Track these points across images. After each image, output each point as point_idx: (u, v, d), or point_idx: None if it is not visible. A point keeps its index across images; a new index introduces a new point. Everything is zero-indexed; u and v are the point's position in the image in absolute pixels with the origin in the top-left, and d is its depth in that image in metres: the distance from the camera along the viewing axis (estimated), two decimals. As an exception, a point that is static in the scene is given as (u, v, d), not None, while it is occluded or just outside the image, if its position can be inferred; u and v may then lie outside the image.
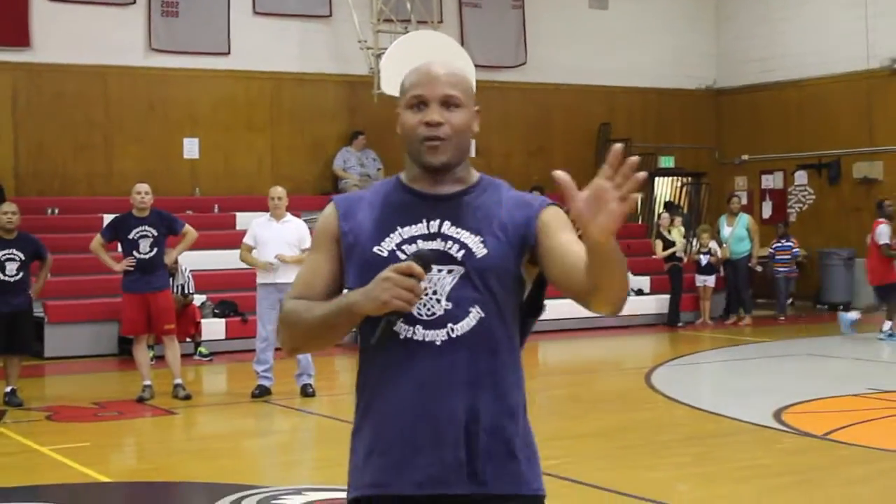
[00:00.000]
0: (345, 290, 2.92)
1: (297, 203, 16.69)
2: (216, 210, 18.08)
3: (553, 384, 12.97)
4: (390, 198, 2.96)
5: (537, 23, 21.15)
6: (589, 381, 13.39)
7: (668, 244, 18.77)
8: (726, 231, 19.02)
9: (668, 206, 22.34)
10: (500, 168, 18.79)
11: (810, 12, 21.43)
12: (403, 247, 2.86)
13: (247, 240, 11.66)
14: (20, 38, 17.27)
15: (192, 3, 18.38)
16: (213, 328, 15.41)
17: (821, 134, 21.26)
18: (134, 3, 18.02)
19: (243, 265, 12.28)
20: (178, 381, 11.46)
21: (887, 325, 15.88)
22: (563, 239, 2.86)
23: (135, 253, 11.06)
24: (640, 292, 18.82)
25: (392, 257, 2.84)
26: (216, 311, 15.78)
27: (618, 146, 2.54)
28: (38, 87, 17.47)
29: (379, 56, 17.93)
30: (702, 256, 18.71)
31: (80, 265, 14.86)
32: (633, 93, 22.19)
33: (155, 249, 11.11)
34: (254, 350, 11.62)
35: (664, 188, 23.51)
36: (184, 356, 12.51)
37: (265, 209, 11.89)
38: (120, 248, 11.39)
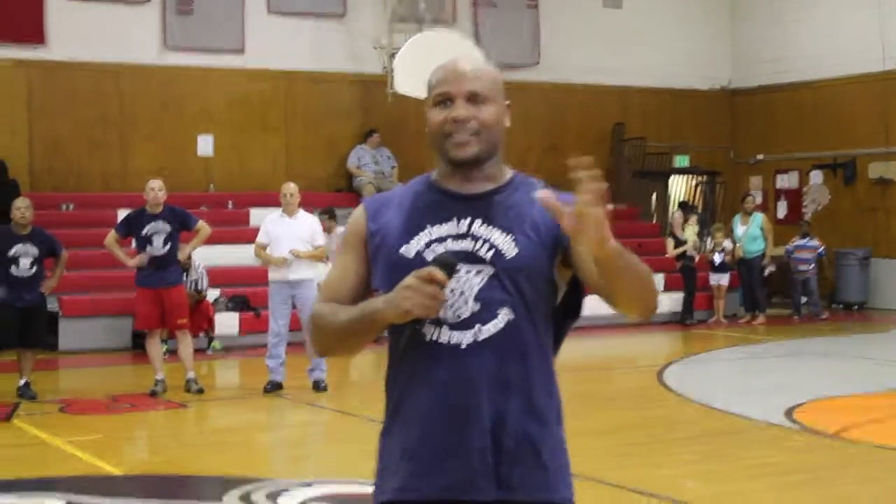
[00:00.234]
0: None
1: (311, 200, 16.73)
2: (230, 206, 18.13)
3: (566, 381, 12.74)
4: (420, 197, 2.90)
5: (552, 22, 21.14)
6: (602, 378, 13.39)
7: (680, 243, 18.76)
8: (740, 230, 18.98)
9: (683, 205, 22.31)
10: (514, 166, 18.74)
11: (824, 13, 21.38)
12: (433, 246, 2.80)
13: (260, 238, 11.70)
14: (35, 35, 17.35)
15: (207, 2, 18.44)
16: (227, 323, 15.48)
17: (836, 134, 21.21)
18: (149, 0, 18.09)
19: (256, 261, 12.32)
20: (191, 375, 11.50)
21: None
22: None
23: (148, 248, 11.11)
24: (653, 291, 18.80)
25: (418, 258, 2.79)
26: (229, 306, 15.83)
27: (583, 159, 2.52)
28: (53, 84, 17.55)
29: (393, 55, 17.95)
30: (716, 255, 18.70)
31: (95, 260, 14.92)
32: (648, 92, 22.17)
33: (168, 245, 11.16)
34: (266, 345, 11.67)
35: (679, 187, 23.49)
36: (197, 351, 12.56)
37: (279, 206, 11.92)
38: (134, 244, 11.44)
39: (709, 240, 19.52)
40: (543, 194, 2.55)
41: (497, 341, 2.76)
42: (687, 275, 18.51)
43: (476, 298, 2.76)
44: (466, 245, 2.78)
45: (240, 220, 17.56)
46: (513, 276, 2.75)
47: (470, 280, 2.76)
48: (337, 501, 7.04)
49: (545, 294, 2.80)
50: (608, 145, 21.78)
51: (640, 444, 9.14)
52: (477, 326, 2.76)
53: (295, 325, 11.81)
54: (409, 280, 2.64)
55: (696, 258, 18.70)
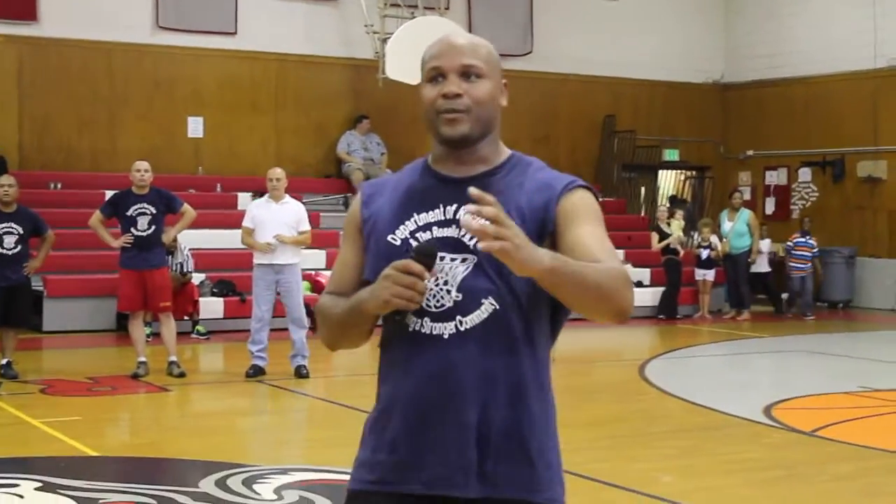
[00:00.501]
0: None
1: (300, 185, 16.79)
2: (218, 189, 18.12)
3: (548, 373, 12.99)
4: (413, 181, 2.81)
5: (545, 12, 21.14)
6: (584, 372, 13.39)
7: (665, 237, 18.76)
8: (727, 226, 19.02)
9: (673, 200, 22.35)
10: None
11: (818, 9, 21.41)
12: (417, 234, 2.72)
13: (246, 223, 11.70)
14: (27, 11, 17.29)
15: (201, -18, 18.40)
16: (212, 307, 15.47)
17: (826, 131, 21.26)
18: (142, -20, 18.06)
19: (243, 246, 12.32)
20: (173, 358, 11.49)
21: None
22: (576, 233, 2.67)
23: (133, 230, 11.09)
24: (639, 284, 18.83)
25: (405, 245, 2.71)
26: (214, 290, 15.83)
27: (471, 190, 2.43)
28: (44, 61, 17.50)
29: (385, 40, 17.94)
30: (702, 250, 18.72)
31: (82, 240, 14.90)
32: (640, 85, 22.17)
33: (153, 227, 11.15)
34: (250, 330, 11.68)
35: (668, 181, 23.51)
36: (181, 334, 12.55)
37: (267, 190, 11.90)
38: (119, 226, 11.43)
39: (696, 235, 19.54)
40: (474, 193, 2.42)
41: (481, 332, 2.66)
42: (670, 269, 18.52)
43: (459, 288, 2.67)
44: (452, 232, 2.70)
45: (228, 203, 17.55)
46: (497, 265, 2.58)
47: (454, 269, 2.67)
48: (312, 488, 7.05)
49: (534, 283, 2.58)
50: (598, 137, 21.80)
51: (618, 437, 9.16)
52: (458, 317, 2.66)
53: (279, 311, 11.81)
54: (388, 270, 2.58)
55: (681, 253, 18.71)
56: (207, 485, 7.03)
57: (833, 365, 14.03)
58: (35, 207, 12.11)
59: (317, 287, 15.50)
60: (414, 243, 2.69)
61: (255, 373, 11.47)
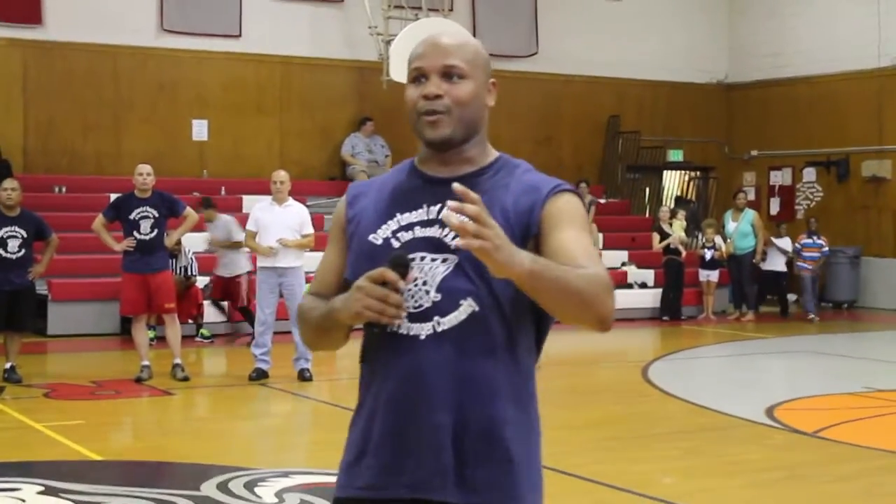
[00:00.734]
0: None
1: (304, 188, 16.81)
2: (223, 193, 18.12)
3: (551, 375, 12.90)
4: (399, 181, 2.79)
5: (549, 13, 21.14)
6: (587, 373, 13.41)
7: (666, 237, 18.71)
8: (731, 226, 18.99)
9: (679, 200, 22.35)
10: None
11: (822, 9, 21.39)
12: (399, 234, 2.69)
13: (250, 226, 11.73)
14: (32, 15, 17.34)
15: (205, -15, 18.44)
16: (216, 311, 15.49)
17: (830, 131, 21.24)
18: (146, -17, 18.10)
19: (247, 249, 12.34)
20: (178, 361, 11.50)
21: None
22: (559, 237, 2.62)
23: (135, 233, 11.12)
24: (643, 285, 18.87)
25: (386, 245, 2.68)
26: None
27: (455, 186, 2.42)
28: (49, 64, 17.55)
29: (389, 42, 17.96)
30: (706, 251, 18.70)
31: (86, 244, 14.90)
32: (644, 85, 22.17)
33: (155, 231, 11.17)
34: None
35: (672, 182, 23.50)
36: (185, 337, 12.57)
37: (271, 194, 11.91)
38: (122, 229, 11.45)
39: (699, 235, 19.52)
40: (458, 189, 2.39)
41: (458, 334, 2.61)
42: (671, 270, 18.48)
43: (438, 288, 2.62)
44: (434, 232, 2.66)
45: (232, 207, 17.54)
46: (477, 266, 2.51)
47: (434, 269, 2.63)
48: (314, 491, 7.07)
49: (516, 287, 2.51)
50: (602, 137, 21.80)
51: (619, 439, 9.16)
52: (436, 318, 2.61)
53: (282, 314, 11.82)
54: (361, 281, 2.54)
55: (683, 253, 18.64)
56: (209, 488, 7.05)
57: (837, 365, 14.03)
58: (40, 211, 12.13)
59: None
60: (396, 243, 2.67)
61: (259, 376, 11.49)
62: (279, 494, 6.92)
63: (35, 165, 17.37)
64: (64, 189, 17.19)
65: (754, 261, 18.84)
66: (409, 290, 2.61)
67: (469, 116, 2.70)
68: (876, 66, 20.51)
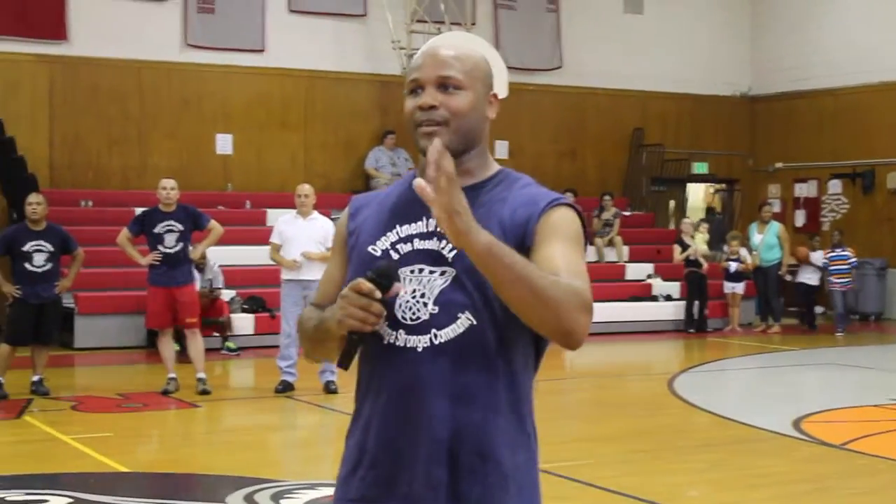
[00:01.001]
0: None
1: (328, 201, 16.81)
2: (248, 206, 18.21)
3: (578, 387, 12.99)
4: (400, 193, 2.77)
5: (572, 26, 21.16)
6: (613, 385, 13.38)
7: (686, 249, 18.62)
8: (757, 238, 18.93)
9: (710, 212, 22.33)
10: (531, 170, 18.79)
11: (846, 21, 21.32)
12: (398, 246, 2.67)
13: (274, 238, 11.76)
14: (57, 31, 17.46)
15: (228, 0, 18.52)
16: (242, 323, 15.53)
17: (855, 143, 21.16)
18: (171, -2, 18.21)
19: (272, 262, 12.36)
20: (201, 375, 11.52)
21: None
22: (547, 249, 2.57)
23: (160, 247, 11.17)
24: (668, 298, 18.83)
25: (385, 257, 2.66)
26: (245, 306, 15.89)
27: (436, 143, 2.39)
28: (75, 80, 17.66)
29: (411, 56, 17.99)
30: (730, 263, 18.63)
31: (112, 258, 14.95)
32: (668, 98, 22.15)
33: (180, 244, 11.21)
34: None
35: (697, 195, 23.46)
36: (211, 350, 12.60)
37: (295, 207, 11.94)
38: (147, 243, 11.50)
39: (724, 248, 19.45)
40: (418, 182, 2.37)
41: (455, 347, 2.58)
42: (692, 282, 18.41)
43: (436, 301, 2.60)
44: (432, 244, 2.65)
45: (257, 220, 17.62)
46: (475, 279, 2.53)
47: (432, 281, 2.62)
48: None
49: None
50: (627, 151, 21.79)
51: (645, 451, 9.14)
52: (433, 331, 2.60)
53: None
54: (345, 290, 2.54)
55: (705, 266, 18.53)
56: (236, 500, 7.07)
57: (864, 377, 13.96)
58: (66, 225, 12.19)
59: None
60: (395, 255, 2.67)
61: (285, 388, 11.51)
62: (306, 506, 6.94)
63: (61, 180, 17.48)
64: (90, 203, 17.28)
65: (779, 273, 18.75)
66: (407, 301, 2.61)
67: (466, 128, 2.67)
68: (901, 78, 20.44)
